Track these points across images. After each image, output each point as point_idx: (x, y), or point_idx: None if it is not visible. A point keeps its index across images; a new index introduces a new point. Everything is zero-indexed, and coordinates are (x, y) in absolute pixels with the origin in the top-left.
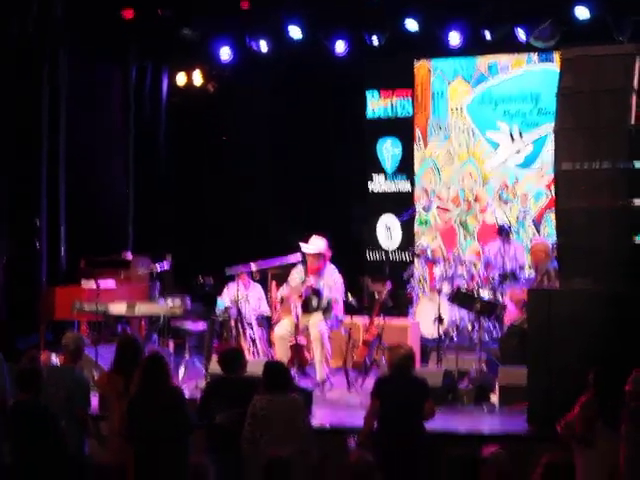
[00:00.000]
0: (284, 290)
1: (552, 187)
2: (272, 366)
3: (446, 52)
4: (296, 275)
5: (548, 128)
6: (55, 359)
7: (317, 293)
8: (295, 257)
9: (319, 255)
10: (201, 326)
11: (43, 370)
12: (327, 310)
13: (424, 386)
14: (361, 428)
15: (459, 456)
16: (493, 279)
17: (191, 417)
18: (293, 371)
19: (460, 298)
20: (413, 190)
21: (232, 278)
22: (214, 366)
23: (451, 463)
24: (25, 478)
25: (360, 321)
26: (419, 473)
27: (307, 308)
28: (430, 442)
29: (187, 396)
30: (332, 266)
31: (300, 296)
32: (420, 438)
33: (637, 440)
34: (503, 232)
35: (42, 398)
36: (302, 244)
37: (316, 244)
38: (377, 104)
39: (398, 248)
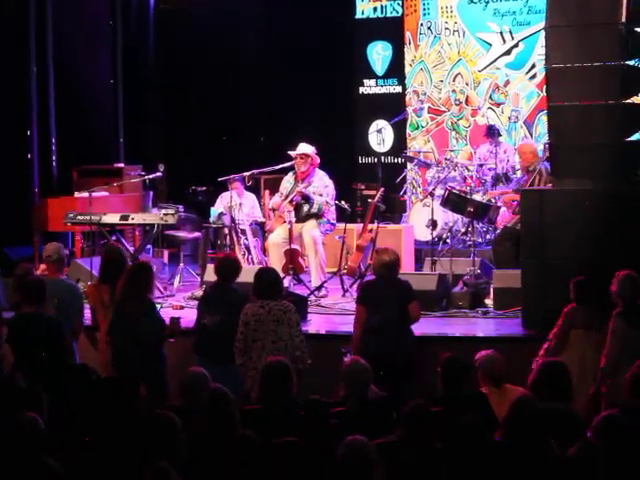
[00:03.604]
0: (276, 198)
1: (543, 87)
2: (264, 273)
3: None
4: (286, 182)
5: (538, 27)
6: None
7: (307, 199)
8: (286, 164)
9: (306, 158)
10: (195, 235)
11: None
12: (319, 215)
13: (408, 288)
14: (351, 335)
15: (453, 358)
16: (486, 181)
17: (163, 324)
18: (288, 278)
19: (452, 201)
20: (404, 93)
21: (225, 187)
22: (209, 274)
23: (445, 365)
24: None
25: (354, 227)
26: (408, 375)
27: (299, 215)
28: (417, 344)
29: (182, 304)
30: (322, 172)
31: (291, 202)
32: (406, 340)
33: (627, 336)
34: (492, 132)
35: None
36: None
37: (302, 146)
38: (366, 6)
39: (390, 152)
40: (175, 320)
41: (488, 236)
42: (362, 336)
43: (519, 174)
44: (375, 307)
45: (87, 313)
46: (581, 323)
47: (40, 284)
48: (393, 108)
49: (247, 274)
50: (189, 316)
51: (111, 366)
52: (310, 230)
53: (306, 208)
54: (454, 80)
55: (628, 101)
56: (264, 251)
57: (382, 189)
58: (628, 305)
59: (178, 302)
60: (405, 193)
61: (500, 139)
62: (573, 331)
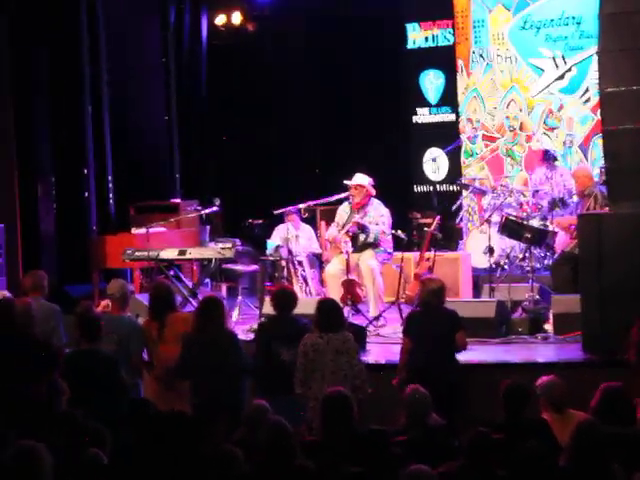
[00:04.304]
0: (332, 229)
1: (598, 111)
2: (325, 304)
3: None
4: (342, 212)
5: (591, 51)
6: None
7: (363, 229)
8: (342, 195)
9: (362, 189)
10: (252, 268)
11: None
12: (375, 245)
13: (454, 317)
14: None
15: (514, 384)
16: (542, 207)
17: (246, 358)
18: (346, 309)
19: (509, 227)
20: (458, 121)
21: (281, 219)
22: (267, 307)
23: (506, 392)
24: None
25: (411, 256)
26: (458, 404)
27: (355, 245)
28: (464, 373)
29: (243, 337)
30: (377, 201)
31: (347, 233)
32: (452, 370)
33: None
34: (548, 157)
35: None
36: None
37: (357, 177)
38: (418, 36)
39: (445, 180)
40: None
41: (546, 261)
42: (409, 366)
43: (575, 199)
44: (421, 337)
45: None
46: None
47: (96, 321)
48: (447, 136)
49: (305, 306)
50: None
51: (164, 402)
52: (367, 260)
53: (362, 238)
54: (507, 107)
55: None
56: (322, 282)
57: (438, 217)
58: None
59: (238, 335)
60: (461, 220)
61: (556, 163)
62: None
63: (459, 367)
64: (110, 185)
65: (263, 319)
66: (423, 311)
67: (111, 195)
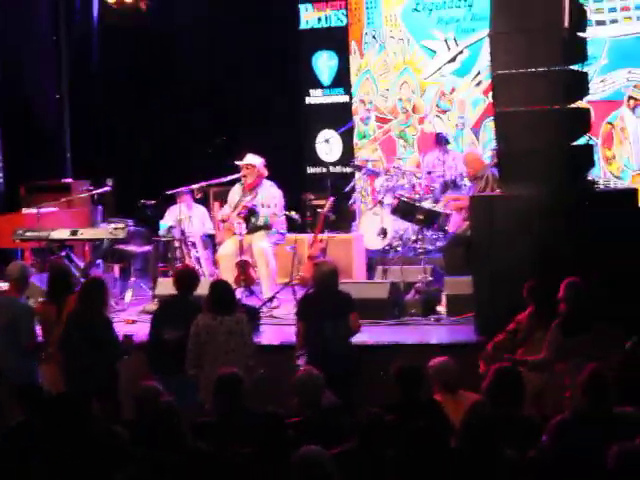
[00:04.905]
0: (225, 210)
1: (489, 93)
2: (217, 286)
3: None
4: (234, 194)
5: (483, 34)
6: (3, 287)
7: (253, 212)
8: (235, 176)
9: (252, 169)
10: (145, 249)
11: None
12: (266, 227)
13: (348, 299)
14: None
15: (406, 366)
16: (434, 188)
17: (117, 343)
18: (240, 290)
19: (402, 209)
20: (351, 102)
21: (174, 200)
22: (160, 288)
23: (399, 373)
24: None
25: (305, 237)
26: (351, 388)
27: (248, 226)
28: (358, 355)
29: (135, 318)
30: (270, 182)
31: (239, 214)
32: (347, 352)
33: (562, 346)
34: (440, 140)
35: None
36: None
37: (248, 157)
38: (310, 16)
39: (338, 162)
40: (128, 338)
41: (438, 243)
42: (305, 349)
43: (467, 182)
44: (315, 320)
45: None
46: (537, 326)
47: None
48: (340, 118)
49: (199, 287)
50: (142, 330)
51: (61, 383)
52: (259, 241)
53: (253, 220)
54: (400, 88)
55: (573, 106)
56: (215, 263)
57: (332, 199)
58: (568, 313)
59: (130, 316)
60: (354, 202)
61: (448, 147)
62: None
63: (353, 347)
64: (0, 164)
65: (156, 301)
66: (316, 294)
67: (1, 174)
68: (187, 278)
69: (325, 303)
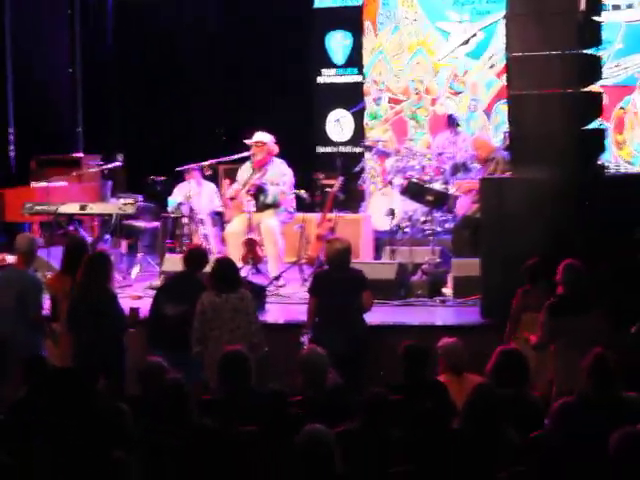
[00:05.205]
0: (235, 187)
1: (503, 76)
2: (220, 262)
3: None
4: (243, 172)
5: (498, 16)
6: (11, 260)
7: (262, 190)
8: (245, 154)
9: (262, 147)
10: (153, 225)
11: None
12: (276, 205)
13: (361, 277)
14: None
15: (413, 346)
16: (444, 170)
17: (122, 318)
18: (247, 268)
19: (411, 190)
20: (363, 82)
21: (183, 177)
22: (167, 264)
23: (405, 353)
24: None
25: (313, 216)
26: (361, 365)
27: (257, 205)
28: (375, 333)
29: (141, 294)
30: (279, 160)
31: (248, 192)
32: (359, 329)
33: (554, 329)
34: (452, 121)
35: None
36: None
37: (258, 134)
38: None
39: (349, 142)
40: (134, 310)
41: (447, 225)
42: (315, 325)
43: (477, 165)
44: (327, 297)
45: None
46: (534, 305)
47: None
48: (352, 98)
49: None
50: (147, 306)
51: (70, 357)
52: (267, 219)
53: (262, 198)
54: (413, 70)
55: (586, 89)
56: (223, 241)
57: (341, 178)
58: (564, 295)
59: (136, 292)
60: (364, 182)
61: (459, 129)
62: (527, 313)
63: (365, 326)
64: (11, 137)
65: (164, 277)
66: (329, 270)
67: (12, 147)
68: (197, 257)
69: (338, 280)
